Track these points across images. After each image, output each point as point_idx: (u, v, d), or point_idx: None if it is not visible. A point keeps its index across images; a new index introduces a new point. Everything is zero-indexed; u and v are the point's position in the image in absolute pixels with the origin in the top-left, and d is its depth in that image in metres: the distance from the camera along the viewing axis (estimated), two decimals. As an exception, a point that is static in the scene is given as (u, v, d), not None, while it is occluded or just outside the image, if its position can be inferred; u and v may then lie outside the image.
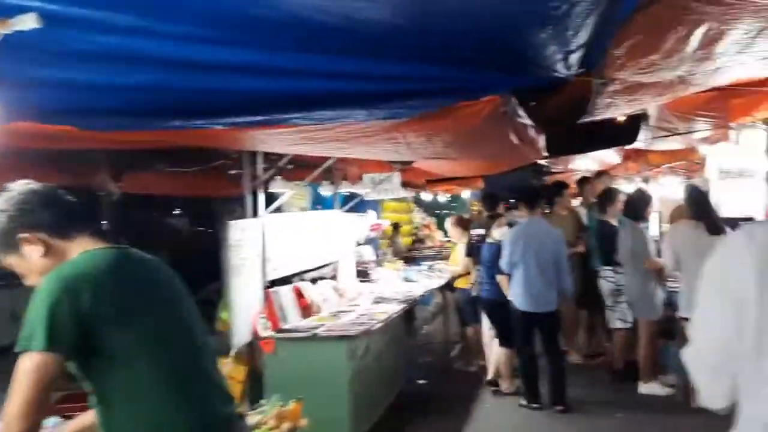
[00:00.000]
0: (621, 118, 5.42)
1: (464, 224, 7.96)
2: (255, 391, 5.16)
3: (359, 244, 8.45)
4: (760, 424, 1.59)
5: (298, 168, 6.00)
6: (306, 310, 5.98)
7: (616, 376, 7.03)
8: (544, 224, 6.56)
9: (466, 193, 19.35)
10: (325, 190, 9.55)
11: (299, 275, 6.45)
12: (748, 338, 1.57)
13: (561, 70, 2.70)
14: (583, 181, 8.56)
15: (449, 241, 15.35)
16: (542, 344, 6.36)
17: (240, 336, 5.13)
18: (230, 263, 5.00)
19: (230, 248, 5.00)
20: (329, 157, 5.95)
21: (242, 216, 5.44)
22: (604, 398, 6.63)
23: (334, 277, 7.18)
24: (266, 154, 5.53)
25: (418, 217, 16.97)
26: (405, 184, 12.88)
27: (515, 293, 6.22)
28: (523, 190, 7.64)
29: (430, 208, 17.50)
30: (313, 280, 6.68)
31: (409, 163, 7.06)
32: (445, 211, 19.06)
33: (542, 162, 13.34)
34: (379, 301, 6.66)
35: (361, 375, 5.26)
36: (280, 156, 5.56)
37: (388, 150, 4.93)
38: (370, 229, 8.81)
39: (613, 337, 7.20)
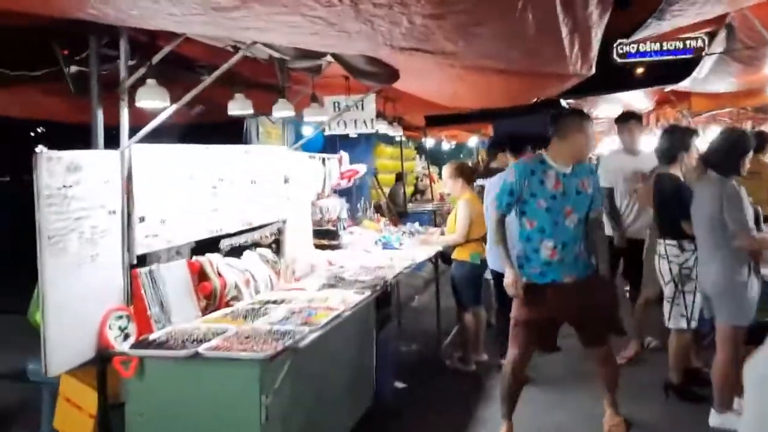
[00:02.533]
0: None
1: (466, 174, 5.73)
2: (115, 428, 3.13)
3: (319, 196, 6.21)
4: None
5: (184, 67, 3.71)
6: (209, 299, 3.81)
7: (672, 392, 4.91)
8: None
9: (473, 141, 17.20)
10: (308, 127, 7.30)
11: (216, 244, 4.25)
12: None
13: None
14: (628, 119, 6.12)
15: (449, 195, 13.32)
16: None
17: (68, 351, 2.97)
18: (44, 228, 2.80)
19: (46, 203, 2.80)
20: (229, 51, 3.69)
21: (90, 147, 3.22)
22: (655, 423, 4.54)
23: (274, 245, 4.99)
24: (132, 42, 3.27)
25: (420, 165, 15.06)
26: (403, 126, 10.66)
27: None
28: (538, 138, 5.45)
29: (434, 158, 15.50)
30: (238, 249, 4.51)
31: (387, 80, 4.78)
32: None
33: (563, 103, 11.13)
34: (335, 282, 4.47)
35: (284, 408, 3.13)
36: (155, 44, 3.30)
37: (330, 28, 2.66)
38: (339, 176, 6.57)
39: (669, 340, 5.01)
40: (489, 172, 5.78)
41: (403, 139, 13.18)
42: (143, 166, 3.41)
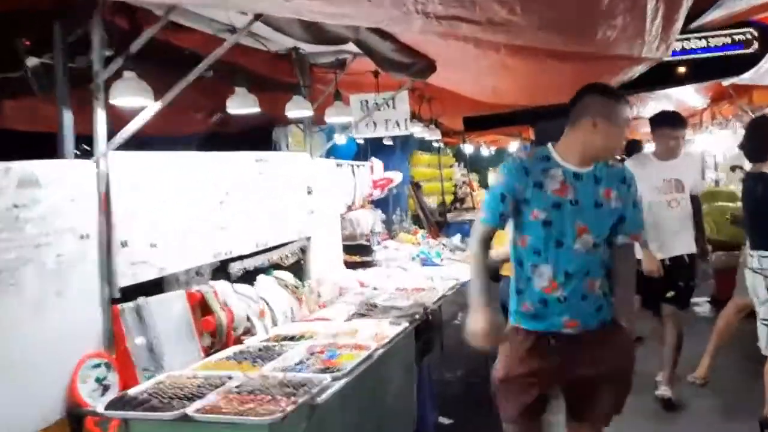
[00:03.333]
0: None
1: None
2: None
3: (350, 208, 5.55)
4: None
5: (168, 60, 3.05)
6: (214, 336, 3.16)
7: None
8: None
9: (513, 146, 16.44)
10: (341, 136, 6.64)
11: (222, 269, 3.61)
12: None
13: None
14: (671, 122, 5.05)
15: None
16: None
17: (26, 414, 2.35)
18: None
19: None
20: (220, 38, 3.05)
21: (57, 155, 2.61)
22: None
23: (296, 267, 4.33)
24: (109, 28, 2.65)
25: (459, 173, 14.08)
26: (440, 131, 9.95)
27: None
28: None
29: (473, 164, 14.69)
30: (253, 273, 3.86)
31: (421, 73, 4.11)
32: (490, 169, 16.45)
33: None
34: (366, 311, 3.79)
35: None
36: (138, 31, 2.67)
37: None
38: (371, 186, 5.90)
39: (766, 368, 4.19)
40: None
41: (441, 145, 12.51)
42: (126, 179, 2.78)
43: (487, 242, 2.66)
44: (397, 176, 6.08)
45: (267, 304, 3.59)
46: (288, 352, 3.01)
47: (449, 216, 11.28)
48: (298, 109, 3.87)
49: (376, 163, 6.09)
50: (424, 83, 5.40)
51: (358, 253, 6.02)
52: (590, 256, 2.60)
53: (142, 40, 2.63)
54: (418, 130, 5.91)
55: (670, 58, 8.43)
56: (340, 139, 8.97)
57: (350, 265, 5.69)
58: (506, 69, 4.06)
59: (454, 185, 14.08)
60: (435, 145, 11.32)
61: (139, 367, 2.73)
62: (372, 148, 9.93)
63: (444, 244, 6.46)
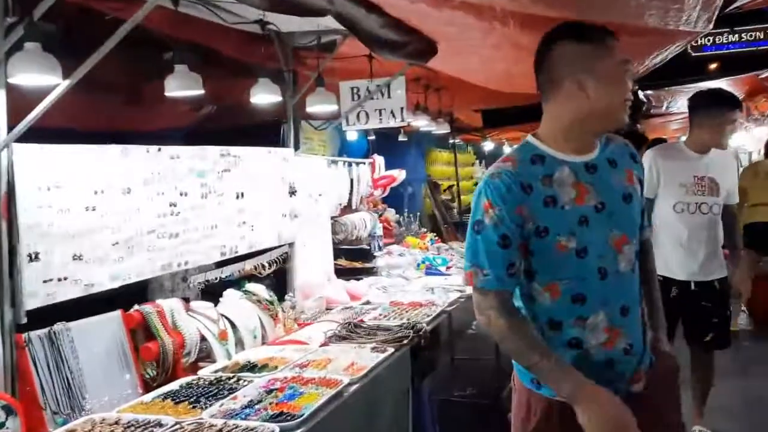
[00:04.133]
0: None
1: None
2: None
3: (345, 210, 4.99)
4: None
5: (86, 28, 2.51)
6: (159, 366, 2.62)
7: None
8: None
9: (536, 144, 15.82)
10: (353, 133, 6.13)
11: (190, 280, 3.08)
12: None
13: None
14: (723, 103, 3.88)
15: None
16: None
17: None
18: None
19: None
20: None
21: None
22: None
23: (276, 276, 3.79)
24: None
25: (479, 171, 13.65)
26: (456, 127, 9.35)
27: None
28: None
29: (493, 162, 14.07)
30: (225, 285, 3.33)
31: (420, 55, 3.54)
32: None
33: (640, 95, 9.63)
34: (348, 332, 3.22)
35: None
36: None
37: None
38: (371, 185, 5.34)
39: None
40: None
41: (460, 142, 11.93)
42: (37, 176, 2.26)
43: (513, 308, 1.76)
44: (400, 174, 5.51)
45: (231, 323, 3.05)
46: (242, 388, 2.46)
47: (466, 217, 10.71)
48: (261, 93, 3.31)
49: (379, 160, 5.53)
50: (430, 71, 4.84)
51: (358, 258, 5.48)
52: (635, 275, 1.83)
53: (49, 2, 2.10)
54: (423, 124, 5.34)
55: (702, 53, 7.88)
56: (351, 135, 8.47)
57: (348, 272, 5.16)
58: (519, 49, 3.46)
59: (475, 184, 13.53)
60: (450, 141, 10.75)
61: (48, 411, 2.20)
62: (384, 145, 9.38)
63: (453, 249, 5.87)
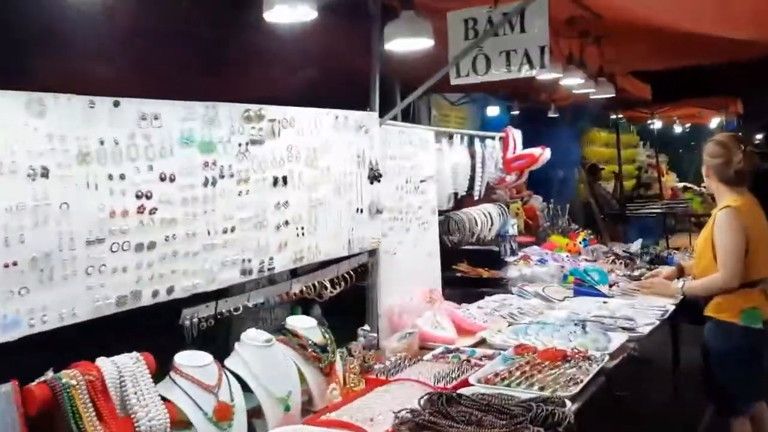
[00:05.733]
0: None
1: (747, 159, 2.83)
2: None
3: (463, 201, 3.65)
4: None
5: None
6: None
7: None
8: None
9: (715, 122, 13.48)
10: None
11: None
12: None
13: None
14: None
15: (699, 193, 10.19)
16: None
17: None
18: None
19: None
20: None
21: None
22: None
23: (351, 300, 2.56)
24: None
25: (644, 154, 12.05)
26: (617, 101, 7.71)
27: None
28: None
29: (662, 144, 12.40)
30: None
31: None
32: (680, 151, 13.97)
33: None
34: (433, 413, 1.92)
35: None
36: None
37: None
38: (503, 167, 3.95)
39: None
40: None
41: (622, 119, 10.08)
42: None
43: None
44: (542, 153, 4.05)
45: (244, 386, 1.87)
46: None
47: (630, 207, 8.83)
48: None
49: (514, 133, 4.11)
50: (589, 11, 3.37)
51: (484, 263, 4.14)
52: None
53: None
54: (577, 83, 3.84)
55: None
56: (492, 111, 7.02)
57: (468, 283, 3.86)
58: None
59: (638, 168, 11.54)
60: (612, 117, 8.96)
61: None
62: (530, 122, 7.84)
63: (616, 256, 4.33)
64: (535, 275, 3.81)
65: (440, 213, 3.39)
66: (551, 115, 7.85)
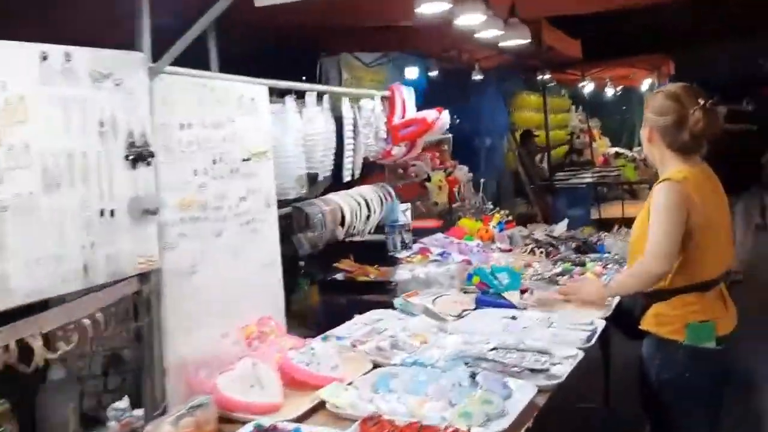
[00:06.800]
0: None
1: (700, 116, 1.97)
2: None
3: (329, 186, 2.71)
4: None
5: None
6: None
7: None
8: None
9: (645, 85, 13.01)
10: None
11: None
12: None
13: None
14: None
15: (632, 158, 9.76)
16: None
17: None
18: None
19: None
20: None
21: None
22: None
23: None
24: None
25: (575, 119, 11.62)
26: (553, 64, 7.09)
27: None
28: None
29: (594, 108, 12.03)
30: None
31: None
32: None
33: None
34: None
35: None
36: None
37: None
38: (388, 135, 3.01)
39: None
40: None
41: (551, 83, 9.36)
42: None
43: None
44: (439, 117, 3.10)
45: None
46: None
47: (559, 176, 8.06)
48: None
49: (404, 92, 3.15)
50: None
51: (373, 260, 3.21)
52: None
53: None
54: (478, 22, 2.90)
55: None
56: (411, 73, 6.15)
57: (354, 289, 2.95)
58: None
59: (569, 134, 10.88)
60: (539, 78, 8.15)
61: None
62: (452, 86, 7.05)
63: (537, 243, 3.47)
64: (430, 278, 2.89)
65: (287, 204, 2.42)
66: (475, 77, 7.08)
